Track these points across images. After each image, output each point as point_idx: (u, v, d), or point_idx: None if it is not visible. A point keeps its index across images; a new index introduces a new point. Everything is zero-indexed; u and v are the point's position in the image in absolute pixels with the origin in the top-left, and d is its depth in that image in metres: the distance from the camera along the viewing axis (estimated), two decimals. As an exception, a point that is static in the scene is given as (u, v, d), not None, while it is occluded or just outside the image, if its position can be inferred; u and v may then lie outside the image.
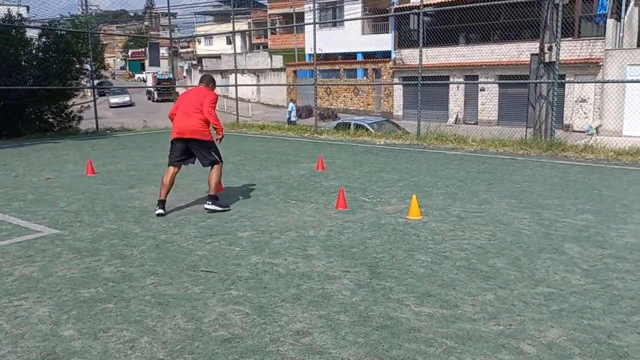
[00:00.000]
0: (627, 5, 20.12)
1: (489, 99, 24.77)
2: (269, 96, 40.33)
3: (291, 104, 24.47)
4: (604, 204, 5.89)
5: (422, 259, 4.14)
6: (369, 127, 13.97)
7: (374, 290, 3.53)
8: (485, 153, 9.96)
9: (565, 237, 4.67)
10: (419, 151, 10.32)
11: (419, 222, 5.20)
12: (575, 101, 20.60)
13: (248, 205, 5.95)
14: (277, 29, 46.69)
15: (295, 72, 37.11)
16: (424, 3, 12.39)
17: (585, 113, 20.71)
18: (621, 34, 20.06)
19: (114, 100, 43.04)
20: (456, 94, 26.00)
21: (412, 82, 13.85)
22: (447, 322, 3.08)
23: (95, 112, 15.15)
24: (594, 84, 19.49)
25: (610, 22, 19.72)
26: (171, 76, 20.34)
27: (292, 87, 34.99)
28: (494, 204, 5.90)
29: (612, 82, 18.17)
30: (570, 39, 19.58)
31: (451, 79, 24.37)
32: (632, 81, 16.23)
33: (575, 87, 20.24)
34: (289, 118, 22.79)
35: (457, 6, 13.94)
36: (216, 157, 5.78)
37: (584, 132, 19.69)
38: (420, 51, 11.85)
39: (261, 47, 53.27)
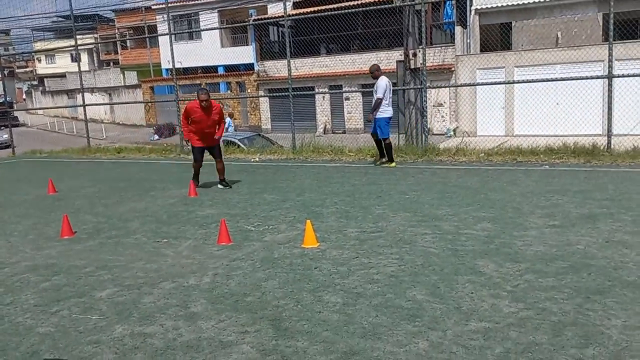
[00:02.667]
0: (470, 13, 21.59)
1: (354, 107, 25.17)
2: (124, 115, 37.57)
3: (228, 119, 21.96)
4: (496, 209, 5.71)
5: (332, 301, 3.45)
6: (239, 143, 13.13)
7: (284, 357, 2.76)
8: (364, 163, 9.66)
9: (475, 252, 4.28)
10: (297, 166, 9.73)
11: (317, 251, 4.52)
12: (433, 106, 21.59)
13: (107, 252, 4.84)
14: (128, 44, 43.87)
15: (152, 88, 34.94)
16: (282, 14, 11.90)
17: (442, 116, 21.81)
18: (468, 41, 21.46)
19: None
20: (322, 104, 26.10)
21: (282, 93, 13.28)
22: (384, 390, 2.41)
23: None
24: (448, 88, 20.57)
25: (458, 30, 21.00)
26: (4, 99, 17.65)
27: (150, 104, 32.85)
28: (390, 220, 5.43)
29: (468, 85, 19.26)
30: (426, 46, 20.50)
31: (316, 89, 24.37)
32: (483, 84, 17.27)
33: (432, 93, 21.22)
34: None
35: (316, 14, 13.70)
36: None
37: (443, 134, 20.68)
38: (289, 62, 11.33)
39: (112, 64, 49.76)
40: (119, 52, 46.81)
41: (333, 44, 26.32)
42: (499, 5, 22.41)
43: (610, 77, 9.05)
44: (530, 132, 17.15)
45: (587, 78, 10.93)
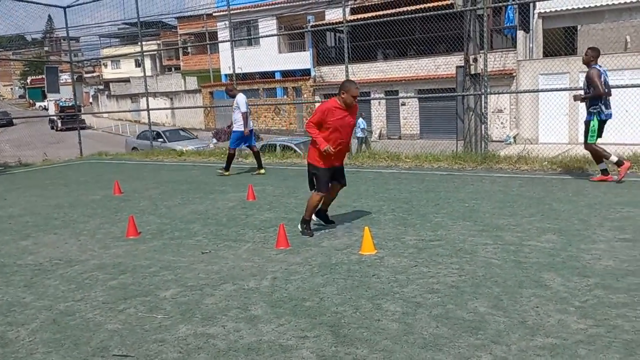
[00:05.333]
0: (533, 17, 20.95)
1: (410, 113, 24.94)
2: (184, 119, 38.75)
3: (360, 119, 21.76)
4: (561, 220, 5.49)
5: (392, 309, 3.42)
6: (296, 147, 13.26)
7: (343, 364, 2.76)
8: (421, 170, 9.53)
9: (540, 265, 4.14)
10: (353, 171, 9.71)
11: (375, 258, 4.50)
12: (492, 112, 21.06)
13: (170, 252, 5.00)
14: (190, 50, 45.25)
15: (211, 93, 35.89)
16: (341, 20, 11.93)
17: (502, 123, 21.25)
18: (531, 45, 20.83)
19: None
20: (378, 110, 26.01)
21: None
22: (446, 404, 2.36)
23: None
24: (508, 94, 20.03)
25: (520, 34, 20.43)
26: (74, 103, 18.55)
27: (209, 109, 33.75)
28: (450, 229, 5.33)
29: (530, 91, 18.70)
30: (487, 51, 20.09)
31: (372, 95, 24.29)
32: (547, 90, 16.71)
33: (491, 98, 20.72)
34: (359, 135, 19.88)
35: (374, 20, 13.64)
36: (313, 184, 5.41)
37: (502, 141, 20.14)
38: (347, 67, 11.36)
39: (173, 69, 51.46)
40: (181, 57, 48.34)
41: (390, 49, 26.18)
42: (564, 8, 21.65)
43: (686, 83, 8.53)
44: (600, 140, 16.46)
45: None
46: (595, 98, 7.38)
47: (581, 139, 8.19)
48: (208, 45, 38.92)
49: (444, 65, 21.32)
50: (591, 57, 7.58)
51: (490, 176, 8.53)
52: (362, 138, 20.11)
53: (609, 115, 7.47)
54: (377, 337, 3.04)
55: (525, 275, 3.95)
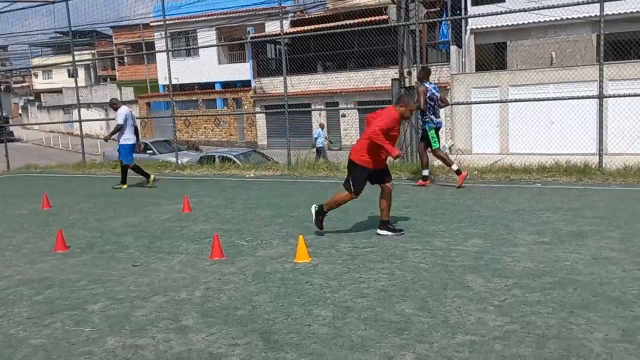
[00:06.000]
0: (465, 33, 21.90)
1: (350, 124, 25.36)
2: (121, 131, 37.67)
3: (318, 130, 21.55)
4: (487, 225, 5.78)
5: (322, 315, 3.50)
6: (235, 159, 13.22)
7: (272, 369, 2.81)
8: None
9: (465, 268, 4.34)
10: (291, 182, 9.81)
11: (309, 265, 4.58)
12: (428, 123, 21.79)
13: (100, 266, 4.88)
14: (126, 60, 44.18)
15: (148, 104, 35.14)
16: (279, 32, 12.07)
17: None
18: (463, 60, 21.73)
19: None
20: (319, 121, 26.30)
21: (278, 110, 13.38)
22: (370, 402, 2.46)
23: None
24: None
25: (454, 49, 21.29)
26: (0, 114, 17.58)
27: (147, 119, 33.01)
28: (383, 236, 5.49)
29: (462, 103, 19.48)
30: (421, 64, 20.79)
31: (313, 106, 24.55)
32: (478, 102, 17.46)
33: (427, 110, 21.42)
34: (317, 145, 20.31)
35: (313, 33, 13.88)
36: (350, 184, 5.48)
37: (438, 152, 20.81)
38: (285, 79, 11.47)
39: (108, 79, 50.03)
40: (116, 68, 47.12)
41: (329, 62, 26.59)
42: (494, 25, 22.75)
43: (601, 97, 9.19)
44: (525, 150, 17.29)
45: (578, 98, 11.10)
46: (428, 110, 8.41)
47: (512, 149, 8.84)
48: (145, 56, 38.15)
49: (382, 77, 21.87)
50: (421, 76, 8.68)
51: (425, 185, 8.81)
52: (321, 148, 20.49)
53: (439, 124, 8.53)
54: (307, 342, 3.11)
55: (451, 277, 4.13)
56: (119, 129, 9.64)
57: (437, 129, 8.47)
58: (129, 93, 41.87)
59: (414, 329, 3.24)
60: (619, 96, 9.79)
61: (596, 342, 2.97)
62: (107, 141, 10.05)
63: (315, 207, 5.67)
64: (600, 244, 4.88)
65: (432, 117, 8.41)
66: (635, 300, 3.52)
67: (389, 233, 5.53)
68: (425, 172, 8.72)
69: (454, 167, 8.47)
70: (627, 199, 6.97)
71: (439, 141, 8.49)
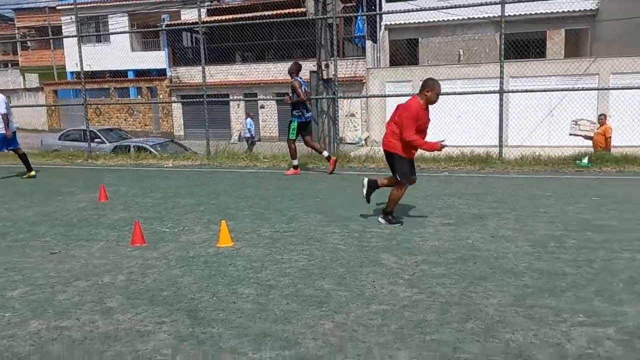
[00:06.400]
0: (380, 29, 22.65)
1: (269, 115, 25.43)
2: (25, 120, 35.33)
3: (249, 119, 21.53)
4: (399, 210, 6.14)
5: (246, 292, 3.68)
6: (151, 149, 12.95)
7: (200, 342, 2.95)
8: (278, 169, 9.93)
9: (379, 248, 4.68)
10: (211, 171, 9.82)
11: (232, 249, 4.72)
12: (346, 116, 22.36)
13: (15, 254, 4.74)
14: (30, 44, 41.41)
15: (55, 91, 33.23)
16: (197, 20, 11.97)
17: (355, 126, 22.64)
18: (378, 55, 22.47)
19: None
20: (237, 112, 26.14)
21: (196, 100, 13.24)
22: (293, 366, 2.68)
23: None
24: (359, 99, 21.44)
25: (369, 44, 21.95)
26: None
27: (54, 108, 31.22)
28: (303, 221, 5.73)
29: (377, 96, 20.18)
30: (338, 58, 21.28)
31: (231, 97, 24.37)
32: (392, 95, 18.19)
33: (345, 103, 21.99)
34: (248, 135, 20.23)
35: (230, 23, 13.85)
36: (396, 177, 5.43)
37: (355, 143, 21.46)
38: (204, 68, 11.41)
39: (10, 65, 46.66)
40: (19, 52, 44.04)
41: (248, 52, 26.47)
42: (407, 22, 23.69)
43: (501, 92, 9.97)
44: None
45: (480, 93, 11.94)
46: (299, 103, 8.90)
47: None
48: (51, 41, 35.99)
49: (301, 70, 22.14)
50: (293, 70, 9.18)
51: (342, 174, 9.18)
52: (250, 138, 20.53)
53: (309, 118, 9.11)
54: (233, 317, 3.28)
55: (366, 256, 4.45)
56: (7, 118, 9.01)
57: (305, 123, 8.98)
58: (33, 80, 39.36)
59: (332, 301, 3.50)
60: (517, 91, 10.66)
61: (491, 306, 3.37)
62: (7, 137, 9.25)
63: (382, 215, 5.56)
64: (498, 224, 5.40)
65: (304, 111, 8.93)
66: (526, 272, 4.00)
67: (387, 221, 5.48)
68: (295, 162, 9.18)
69: (325, 153, 9.09)
70: (523, 186, 7.67)
71: (296, 134, 8.99)
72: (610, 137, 11.26)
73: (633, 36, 19.45)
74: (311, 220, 5.73)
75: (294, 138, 9.06)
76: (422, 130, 5.38)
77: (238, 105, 25.61)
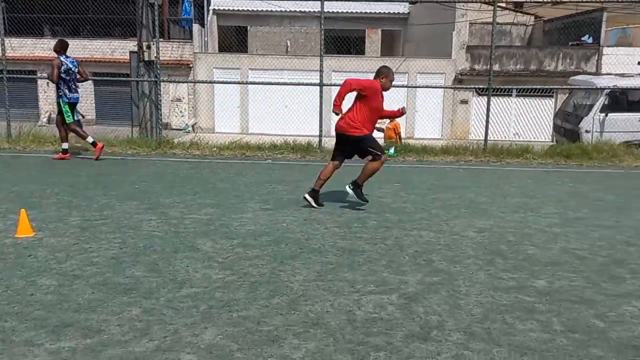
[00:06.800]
0: (208, 13, 22.27)
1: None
2: None
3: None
4: (221, 196, 6.25)
5: (47, 284, 3.46)
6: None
7: (-12, 339, 2.72)
8: (93, 154, 9.28)
9: (196, 234, 4.71)
10: (14, 156, 8.85)
11: (33, 239, 4.36)
12: (171, 100, 21.63)
13: None
14: None
15: None
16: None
17: (181, 112, 22.00)
18: (206, 39, 22.08)
19: None
20: (47, 91, 23.64)
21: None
22: (94, 352, 2.63)
23: None
24: (186, 84, 20.88)
25: (196, 27, 21.44)
26: None
27: None
28: (116, 209, 5.50)
29: (203, 82, 19.85)
30: (162, 40, 20.41)
31: (38, 74, 21.98)
32: (219, 82, 18.08)
33: (170, 87, 21.26)
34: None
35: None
36: (371, 152, 5.59)
37: (181, 129, 20.90)
38: (2, 39, 10.19)
39: None
40: None
41: (59, 26, 24.07)
42: (235, 8, 23.64)
43: (321, 85, 10.56)
44: (263, 130, 18.55)
45: (301, 84, 12.53)
46: (62, 83, 8.53)
47: (252, 129, 9.48)
48: None
49: (121, 49, 20.77)
50: (57, 48, 8.77)
51: (164, 160, 8.95)
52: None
53: (73, 99, 8.66)
54: (29, 309, 3.07)
55: (182, 242, 4.45)
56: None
57: (72, 104, 8.56)
58: None
59: (142, 288, 3.45)
60: (333, 85, 11.35)
61: (297, 282, 3.63)
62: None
63: (350, 186, 5.73)
64: (312, 209, 5.77)
65: (66, 91, 8.50)
66: (330, 250, 4.36)
67: (356, 194, 5.73)
68: (65, 146, 8.71)
69: (89, 139, 8.64)
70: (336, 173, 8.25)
71: (73, 115, 8.57)
72: (400, 133, 12.24)
73: (438, 40, 21.83)
74: (126, 208, 5.53)
75: (72, 121, 8.50)
76: (378, 110, 5.64)
77: (48, 84, 23.19)
